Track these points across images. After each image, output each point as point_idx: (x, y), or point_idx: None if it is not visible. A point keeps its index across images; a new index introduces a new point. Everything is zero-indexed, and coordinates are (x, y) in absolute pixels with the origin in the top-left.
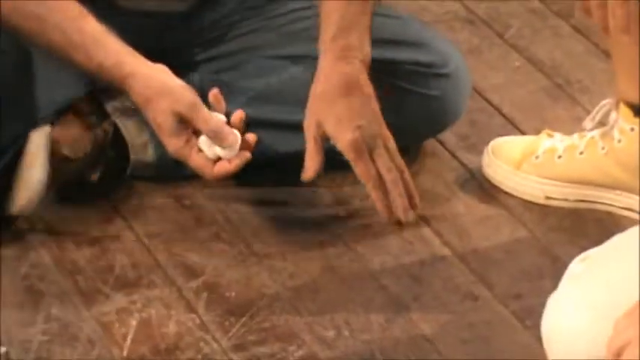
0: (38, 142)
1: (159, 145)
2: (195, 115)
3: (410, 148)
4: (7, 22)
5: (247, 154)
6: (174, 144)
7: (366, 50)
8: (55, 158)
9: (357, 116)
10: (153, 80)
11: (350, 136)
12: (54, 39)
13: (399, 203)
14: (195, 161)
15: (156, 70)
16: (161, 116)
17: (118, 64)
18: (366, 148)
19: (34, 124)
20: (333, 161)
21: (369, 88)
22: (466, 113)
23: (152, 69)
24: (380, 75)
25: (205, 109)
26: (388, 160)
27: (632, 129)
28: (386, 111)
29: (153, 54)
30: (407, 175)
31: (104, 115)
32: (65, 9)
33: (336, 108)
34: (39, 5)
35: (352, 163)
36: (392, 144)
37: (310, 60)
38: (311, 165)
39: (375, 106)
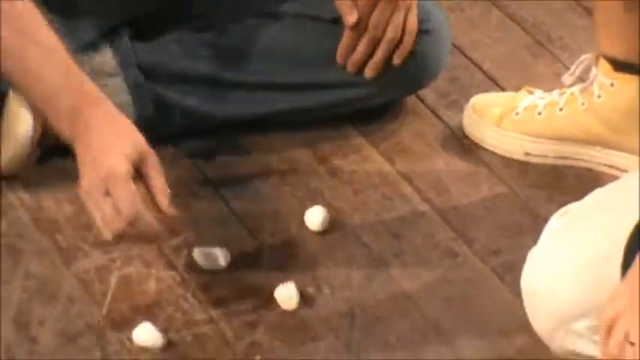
0: (18, 102)
1: (138, 106)
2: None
3: (390, 104)
4: None
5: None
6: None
7: None
8: (38, 115)
9: None
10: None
11: None
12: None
13: (357, 59)
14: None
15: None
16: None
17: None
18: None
19: None
20: (314, 118)
21: None
22: (446, 70)
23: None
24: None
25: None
26: (400, 20)
27: (612, 84)
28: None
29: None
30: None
31: None
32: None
33: None
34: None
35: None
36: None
37: (289, 18)
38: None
39: None
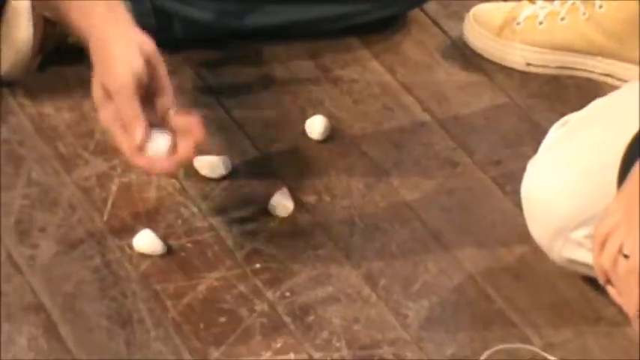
0: (21, 3)
1: (138, 15)
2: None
3: (392, 20)
4: None
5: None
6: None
7: None
8: (38, 22)
9: None
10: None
11: None
12: None
13: None
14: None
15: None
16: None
17: None
18: None
19: None
20: (318, 31)
21: None
22: None
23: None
24: None
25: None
26: None
27: None
28: None
29: None
30: None
31: None
32: None
33: None
34: None
35: None
36: None
37: None
38: None
39: None
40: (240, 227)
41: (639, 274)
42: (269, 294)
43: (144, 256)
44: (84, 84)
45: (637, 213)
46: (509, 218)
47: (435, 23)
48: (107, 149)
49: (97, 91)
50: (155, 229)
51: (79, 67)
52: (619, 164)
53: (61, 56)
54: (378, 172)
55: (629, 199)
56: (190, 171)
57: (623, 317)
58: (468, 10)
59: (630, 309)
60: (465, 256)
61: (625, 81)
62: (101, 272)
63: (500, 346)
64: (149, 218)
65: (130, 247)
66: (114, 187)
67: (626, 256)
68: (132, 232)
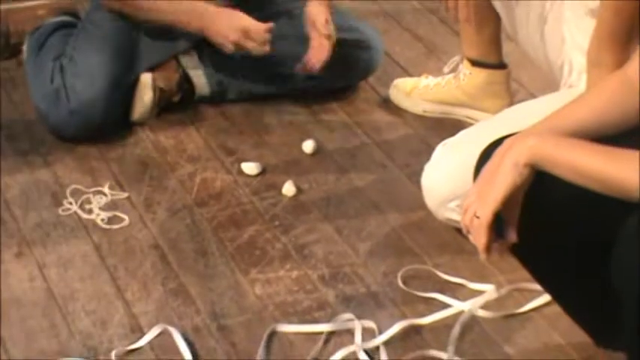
0: (146, 79)
1: (210, 84)
2: (251, 24)
3: (350, 87)
4: (119, 10)
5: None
6: (232, 37)
7: None
8: (156, 88)
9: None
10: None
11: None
12: (152, 15)
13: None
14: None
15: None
16: (232, 29)
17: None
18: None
19: (146, 70)
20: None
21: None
22: (381, 65)
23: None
24: (336, 47)
25: (255, 23)
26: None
27: (471, 73)
28: (337, 66)
29: None
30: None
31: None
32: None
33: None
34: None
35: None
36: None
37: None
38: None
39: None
40: (266, 202)
41: (484, 228)
42: (283, 238)
43: (213, 216)
44: (184, 124)
45: (485, 195)
46: (416, 197)
47: (374, 89)
48: (193, 158)
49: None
50: (218, 205)
51: (179, 115)
52: (475, 166)
53: (169, 108)
54: (344, 169)
55: (479, 186)
56: (240, 171)
57: (476, 250)
58: (392, 82)
59: (480, 248)
60: (391, 217)
61: (477, 120)
62: (191, 229)
63: (409, 267)
64: (217, 199)
65: (209, 213)
66: (197, 179)
67: (477, 217)
68: (207, 205)
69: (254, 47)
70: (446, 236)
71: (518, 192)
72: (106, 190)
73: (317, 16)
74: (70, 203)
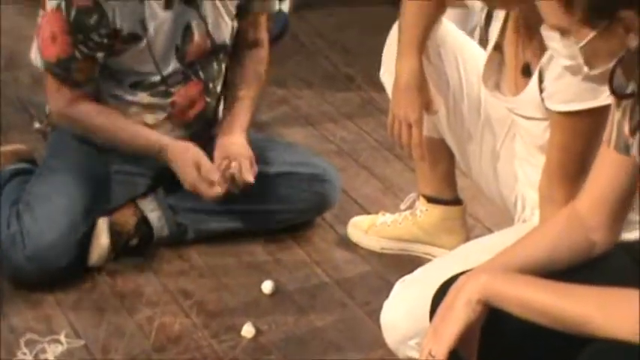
0: (103, 224)
1: (169, 226)
2: (203, 162)
3: (305, 223)
4: (78, 129)
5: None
6: (191, 177)
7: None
8: (113, 232)
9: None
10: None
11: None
12: (118, 136)
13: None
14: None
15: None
16: (187, 164)
17: (158, 141)
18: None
19: (103, 214)
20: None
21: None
22: (339, 202)
23: (178, 142)
24: (288, 181)
25: (207, 161)
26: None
27: (427, 209)
28: (292, 202)
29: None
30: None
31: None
32: (120, 121)
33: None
34: (105, 121)
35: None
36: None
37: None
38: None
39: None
40: (225, 344)
41: None
42: None
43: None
44: (141, 268)
45: (440, 332)
46: (375, 334)
47: (332, 227)
48: (152, 302)
49: (190, 166)
50: (177, 349)
51: (137, 258)
52: (431, 304)
53: (127, 251)
54: (303, 310)
55: (435, 324)
56: (199, 313)
57: None
58: (349, 219)
59: None
60: (351, 357)
61: (435, 256)
62: None
63: None
64: (175, 342)
65: (167, 358)
66: (156, 324)
67: (432, 356)
68: (165, 350)
69: (205, 190)
70: None
71: (473, 328)
72: (62, 338)
73: (238, 157)
74: (24, 354)
